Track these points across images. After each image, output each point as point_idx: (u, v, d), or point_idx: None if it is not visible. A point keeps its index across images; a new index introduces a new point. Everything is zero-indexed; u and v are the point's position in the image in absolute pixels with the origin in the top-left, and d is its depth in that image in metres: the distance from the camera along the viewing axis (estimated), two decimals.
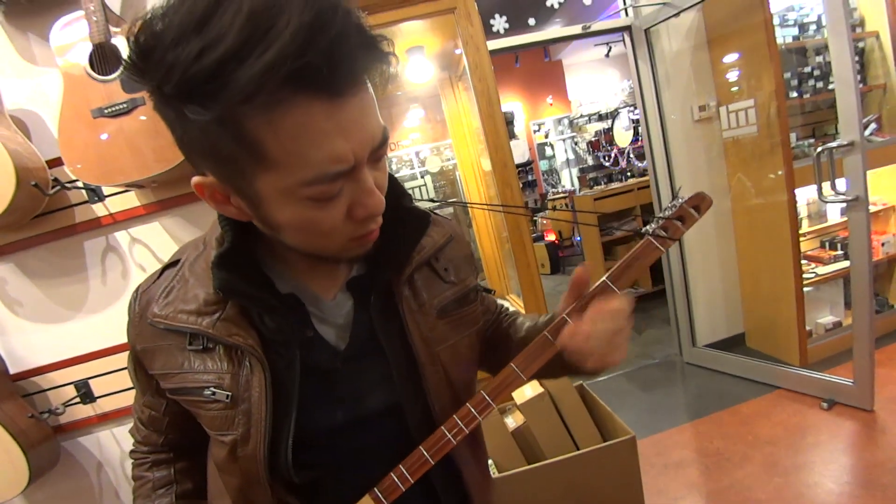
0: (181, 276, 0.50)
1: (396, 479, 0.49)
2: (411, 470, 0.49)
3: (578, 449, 1.30)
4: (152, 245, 1.44)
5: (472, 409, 0.49)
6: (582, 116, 6.10)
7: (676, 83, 2.41)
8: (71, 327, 1.47)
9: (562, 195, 5.39)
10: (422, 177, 5.34)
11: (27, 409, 1.42)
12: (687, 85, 2.43)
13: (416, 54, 1.90)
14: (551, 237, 5.17)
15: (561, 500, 1.23)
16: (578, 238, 5.06)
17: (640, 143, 5.08)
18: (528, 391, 1.32)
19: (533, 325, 0.62)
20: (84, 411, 1.49)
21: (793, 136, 2.44)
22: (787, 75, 2.46)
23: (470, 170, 2.35)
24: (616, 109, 5.72)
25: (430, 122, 5.54)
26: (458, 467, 0.57)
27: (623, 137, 5.36)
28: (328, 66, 0.33)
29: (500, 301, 0.72)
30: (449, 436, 0.49)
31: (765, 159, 2.26)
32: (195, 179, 0.42)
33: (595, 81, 6.33)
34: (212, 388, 0.47)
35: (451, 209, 5.06)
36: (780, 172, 2.19)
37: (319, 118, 0.35)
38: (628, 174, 5.09)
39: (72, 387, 1.47)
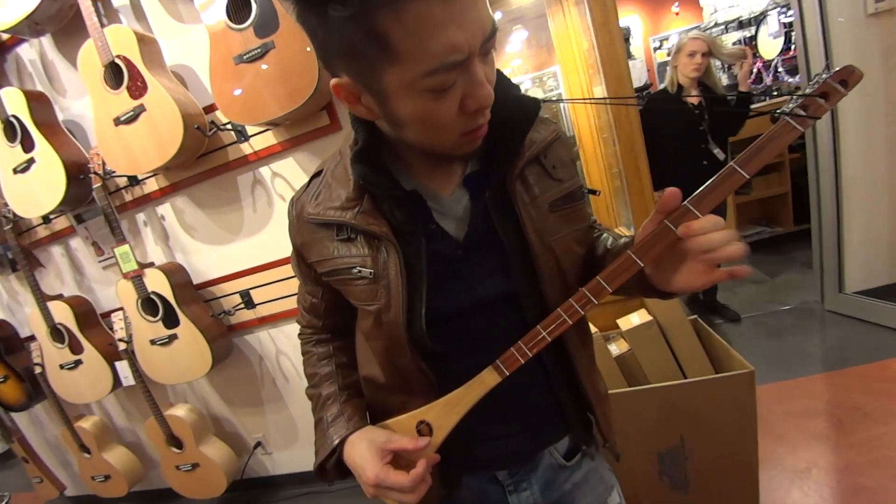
0: (325, 181, 0.60)
1: (516, 353, 0.55)
2: (529, 345, 0.54)
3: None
4: (288, 177, 1.65)
5: (588, 293, 0.51)
6: (717, 25, 5.13)
7: None
8: (233, 248, 1.79)
9: None
10: None
11: (209, 310, 1.80)
12: None
13: None
14: None
15: (667, 423, 1.24)
16: None
17: (791, 53, 4.20)
18: (636, 319, 1.30)
19: (613, 244, 0.63)
20: (247, 315, 1.84)
21: None
22: None
23: (578, 97, 2.19)
24: (763, 12, 4.72)
25: (532, 47, 5.13)
26: (568, 351, 0.62)
27: (770, 47, 4.45)
28: None
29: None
30: (564, 316, 0.52)
31: None
32: (333, 81, 0.49)
33: None
34: (358, 268, 0.56)
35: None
36: None
37: (437, 9, 0.39)
38: (774, 93, 4.26)
39: (237, 295, 1.82)
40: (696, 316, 1.39)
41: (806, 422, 1.76)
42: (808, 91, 0.43)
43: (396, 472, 0.56)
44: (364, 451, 0.59)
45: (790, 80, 4.27)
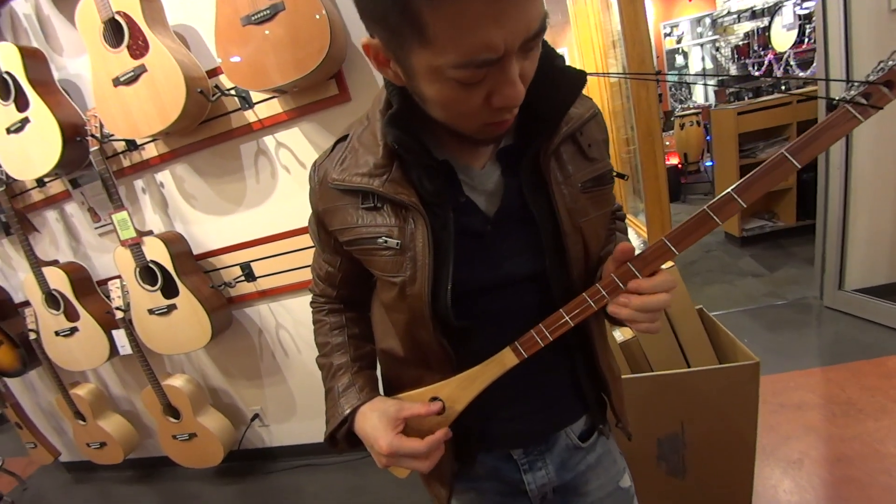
0: (351, 147, 0.57)
1: (536, 336, 0.54)
2: (550, 329, 0.53)
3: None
4: (294, 148, 1.60)
5: (616, 279, 0.50)
6: (729, 14, 5.04)
7: None
8: (234, 219, 1.75)
9: (693, 111, 4.71)
10: None
11: (209, 281, 1.77)
12: None
13: None
14: (673, 160, 4.65)
15: (668, 410, 1.24)
16: (708, 163, 4.48)
17: (804, 47, 4.13)
18: None
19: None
20: (247, 288, 1.82)
21: None
22: None
23: (592, 80, 2.14)
24: (777, 3, 4.63)
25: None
26: (588, 332, 0.62)
27: (783, 40, 4.38)
28: None
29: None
30: (590, 301, 0.52)
31: None
32: (364, 40, 0.46)
33: None
34: (384, 238, 0.54)
35: None
36: None
37: (478, 4, 0.36)
38: (782, 87, 4.22)
39: (238, 268, 1.79)
40: (701, 307, 1.38)
41: (800, 414, 1.78)
42: (871, 78, 0.41)
43: (410, 439, 0.55)
44: (376, 421, 0.58)
45: (801, 73, 4.22)
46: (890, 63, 0.40)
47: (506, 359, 0.56)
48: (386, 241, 0.54)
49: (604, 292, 0.51)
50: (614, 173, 0.61)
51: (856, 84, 0.42)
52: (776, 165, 0.44)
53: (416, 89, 0.46)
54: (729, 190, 0.46)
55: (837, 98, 0.43)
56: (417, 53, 0.40)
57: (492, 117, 0.46)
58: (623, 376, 1.24)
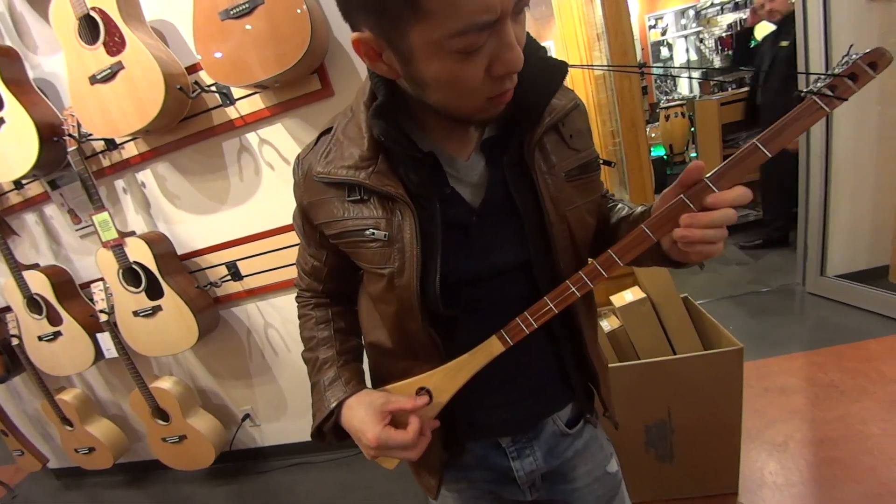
0: (336, 139, 0.56)
1: (521, 324, 0.54)
2: (535, 316, 0.54)
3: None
4: (277, 145, 1.59)
5: (598, 266, 0.51)
6: (713, 5, 5.09)
7: None
8: (218, 217, 1.72)
9: (678, 103, 4.75)
10: None
11: (194, 282, 1.75)
12: None
13: None
14: (659, 151, 4.69)
15: (655, 397, 1.26)
16: (693, 154, 4.52)
17: None
18: (629, 296, 1.30)
19: (629, 213, 0.63)
20: (234, 287, 1.80)
21: None
22: None
23: (577, 73, 2.14)
24: None
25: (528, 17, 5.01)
26: (577, 321, 0.62)
27: (766, 30, 4.43)
28: None
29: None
30: (573, 288, 0.52)
31: None
32: (353, 36, 0.46)
33: None
34: (371, 230, 0.54)
35: None
36: None
37: None
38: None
39: (223, 267, 1.77)
40: (685, 295, 1.40)
41: (784, 398, 1.81)
42: (836, 71, 0.42)
43: (397, 430, 0.56)
44: (363, 414, 0.58)
45: None
46: (853, 56, 0.42)
47: (492, 347, 0.56)
48: (373, 234, 0.54)
49: (586, 279, 0.52)
50: (600, 161, 0.62)
51: (822, 77, 0.43)
52: (748, 154, 0.45)
53: (414, 74, 0.45)
54: (704, 178, 0.47)
55: (805, 90, 0.44)
56: (415, 31, 0.41)
57: (493, 90, 0.46)
58: (610, 365, 1.26)
